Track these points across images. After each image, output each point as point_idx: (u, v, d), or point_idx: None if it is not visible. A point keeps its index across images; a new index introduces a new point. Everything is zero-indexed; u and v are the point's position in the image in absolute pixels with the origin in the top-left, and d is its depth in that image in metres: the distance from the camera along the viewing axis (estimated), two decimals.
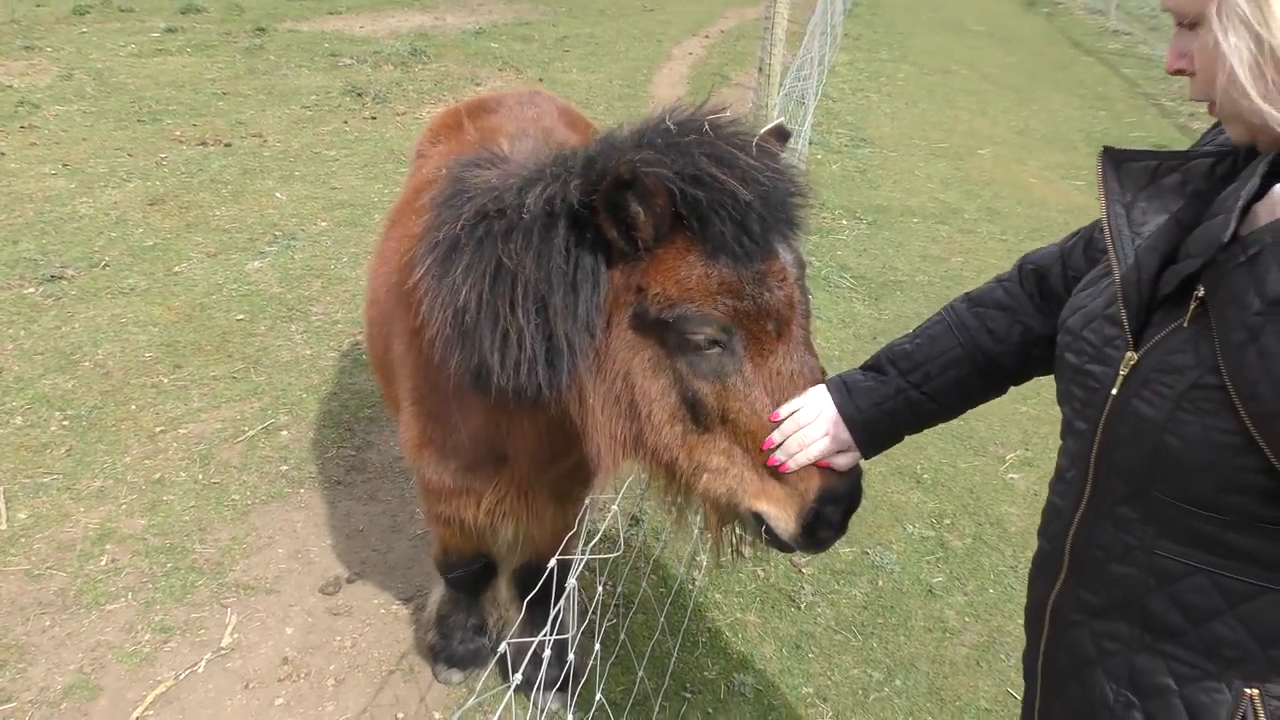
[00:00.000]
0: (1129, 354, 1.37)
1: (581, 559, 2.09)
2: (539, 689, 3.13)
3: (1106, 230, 1.43)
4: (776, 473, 1.83)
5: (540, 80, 11.39)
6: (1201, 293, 1.28)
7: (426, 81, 11.12)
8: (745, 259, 1.74)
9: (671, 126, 1.83)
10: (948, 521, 4.35)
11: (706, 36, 15.76)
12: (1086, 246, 1.80)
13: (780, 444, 1.81)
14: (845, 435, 1.85)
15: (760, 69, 5.88)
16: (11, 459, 4.26)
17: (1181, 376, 1.28)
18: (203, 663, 3.34)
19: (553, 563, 2.23)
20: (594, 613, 3.06)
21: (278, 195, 7.54)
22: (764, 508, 1.86)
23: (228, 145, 8.59)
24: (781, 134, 2.02)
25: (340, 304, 5.85)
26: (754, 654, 3.57)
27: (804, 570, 3.98)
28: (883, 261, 7.16)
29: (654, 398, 1.87)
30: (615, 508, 2.34)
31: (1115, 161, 1.48)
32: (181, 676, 3.29)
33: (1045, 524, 1.61)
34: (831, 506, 1.81)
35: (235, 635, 3.46)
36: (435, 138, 3.16)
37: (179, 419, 4.63)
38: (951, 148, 10.36)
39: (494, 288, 1.85)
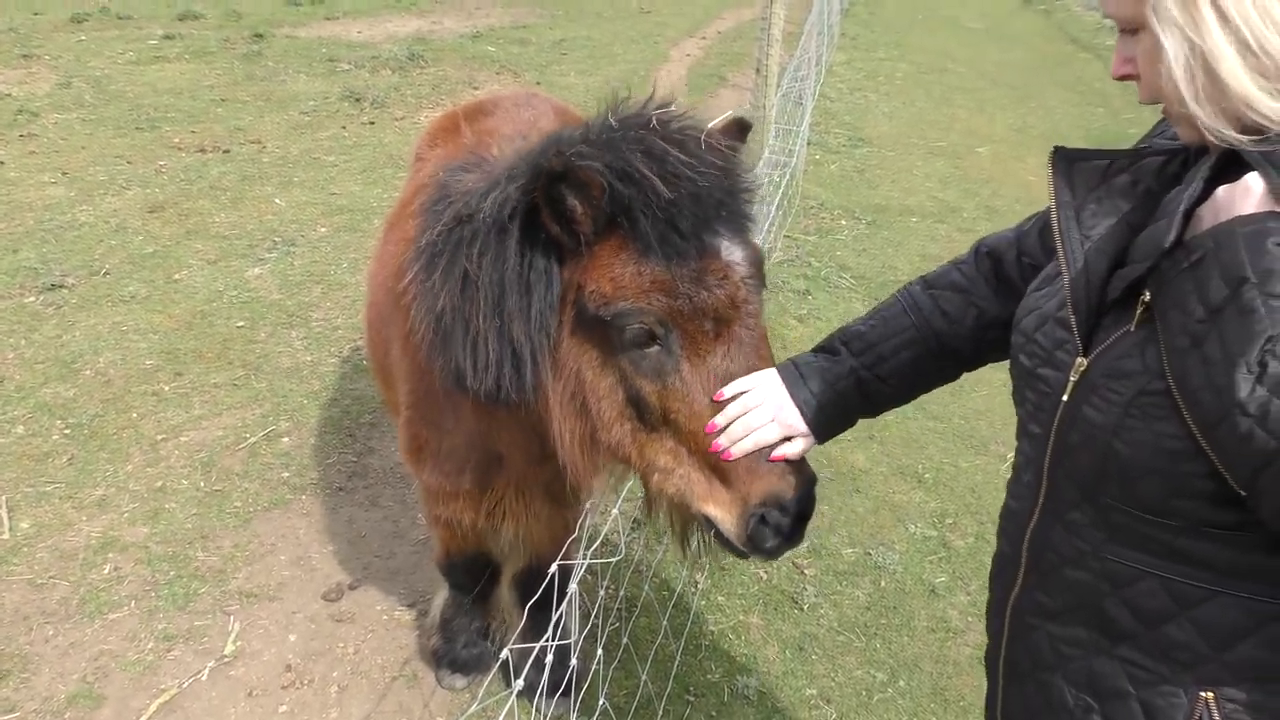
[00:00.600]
0: (1079, 360, 1.36)
1: (583, 564, 2.09)
2: (542, 694, 3.13)
3: (1056, 232, 1.42)
4: (724, 474, 1.78)
5: (538, 83, 11.40)
6: (1148, 298, 1.27)
7: (424, 86, 11.13)
8: (677, 256, 1.71)
9: (613, 122, 1.81)
10: (950, 521, 4.35)
11: (703, 38, 15.77)
12: (1041, 232, 1.78)
13: (724, 428, 1.76)
14: (795, 420, 1.82)
15: (757, 70, 5.87)
16: (13, 468, 4.27)
17: (1129, 382, 1.27)
18: (206, 671, 3.34)
19: (554, 568, 2.23)
20: (596, 617, 3.07)
21: (277, 201, 7.54)
22: (711, 510, 1.82)
23: (226, 152, 8.60)
24: (741, 126, 1.99)
25: (340, 309, 5.85)
26: (757, 656, 3.57)
27: (806, 572, 3.98)
28: (882, 261, 7.16)
29: (602, 395, 1.87)
30: (616, 511, 2.34)
31: (1067, 161, 1.47)
32: (185, 685, 3.29)
33: (1003, 525, 1.61)
34: (777, 512, 1.74)
35: (238, 643, 3.46)
36: (433, 141, 3.17)
37: (180, 426, 4.63)
38: (950, 146, 10.36)
39: (463, 292, 1.87)
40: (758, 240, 1.92)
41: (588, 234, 1.76)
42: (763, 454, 1.77)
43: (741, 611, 3.77)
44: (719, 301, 1.73)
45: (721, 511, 1.80)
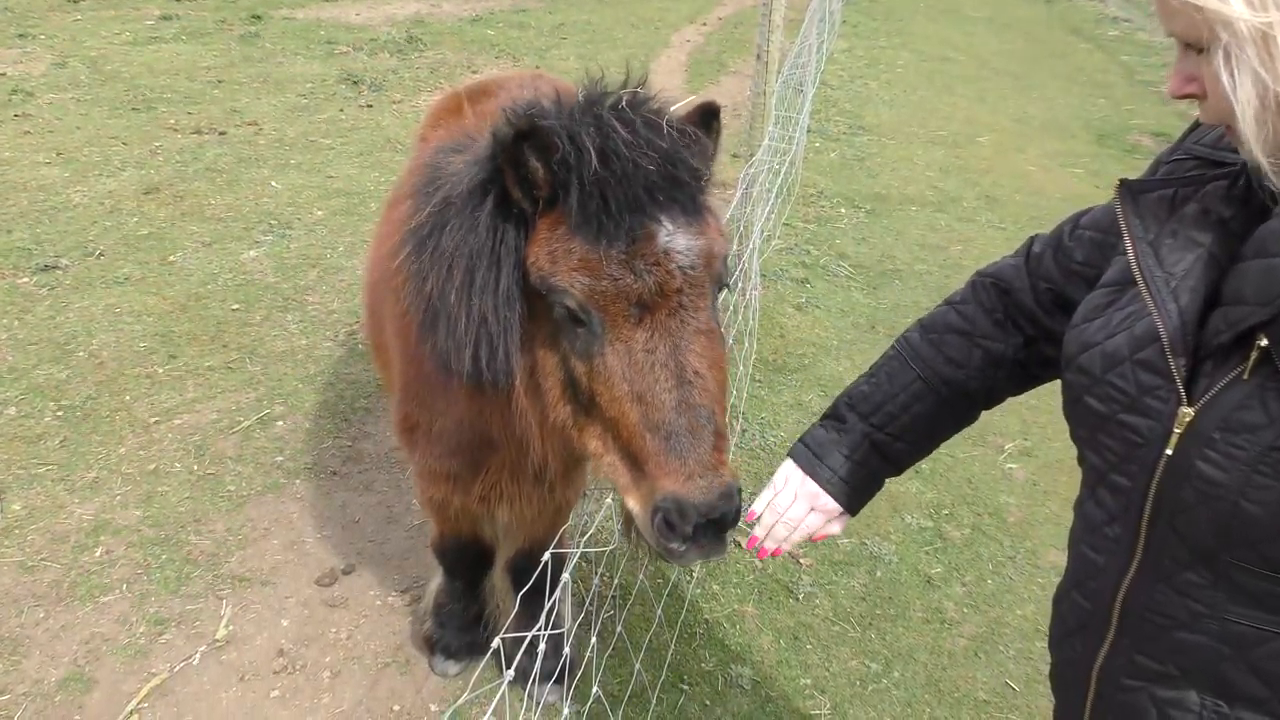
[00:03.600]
0: (1183, 410, 1.26)
1: (577, 551, 2.07)
2: (535, 681, 3.11)
3: (1138, 273, 1.33)
4: (641, 465, 1.71)
5: (537, 67, 11.33)
6: (1264, 342, 1.18)
7: (423, 70, 11.07)
8: (606, 237, 1.67)
9: (582, 98, 1.80)
10: (946, 512, 4.33)
11: (704, 24, 15.68)
12: (1057, 254, 1.70)
13: (765, 537, 1.80)
14: (828, 502, 1.81)
15: (758, 56, 5.82)
16: (5, 450, 4.24)
17: (1254, 437, 1.17)
18: (198, 655, 3.33)
19: (547, 555, 2.21)
20: (590, 605, 3.05)
21: (273, 184, 7.49)
22: (630, 502, 1.78)
23: (223, 134, 8.54)
24: (706, 112, 1.90)
25: (336, 294, 5.82)
26: (751, 645, 3.56)
27: (802, 561, 3.96)
28: (881, 250, 7.13)
29: (548, 373, 1.85)
30: (610, 499, 2.31)
31: (1133, 194, 1.40)
32: (176, 669, 3.27)
33: (1079, 580, 1.49)
34: (676, 515, 1.65)
35: (230, 627, 3.45)
36: (436, 122, 3.15)
37: (174, 410, 4.60)
38: (950, 135, 10.32)
39: (447, 273, 1.85)
40: (723, 230, 1.86)
41: (547, 198, 1.73)
42: (676, 446, 1.67)
43: (736, 601, 3.75)
44: (645, 288, 1.68)
45: (638, 506, 1.75)
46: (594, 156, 1.66)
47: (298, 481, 4.20)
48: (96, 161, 7.66)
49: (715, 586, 3.80)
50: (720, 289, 1.82)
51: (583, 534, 2.62)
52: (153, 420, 4.52)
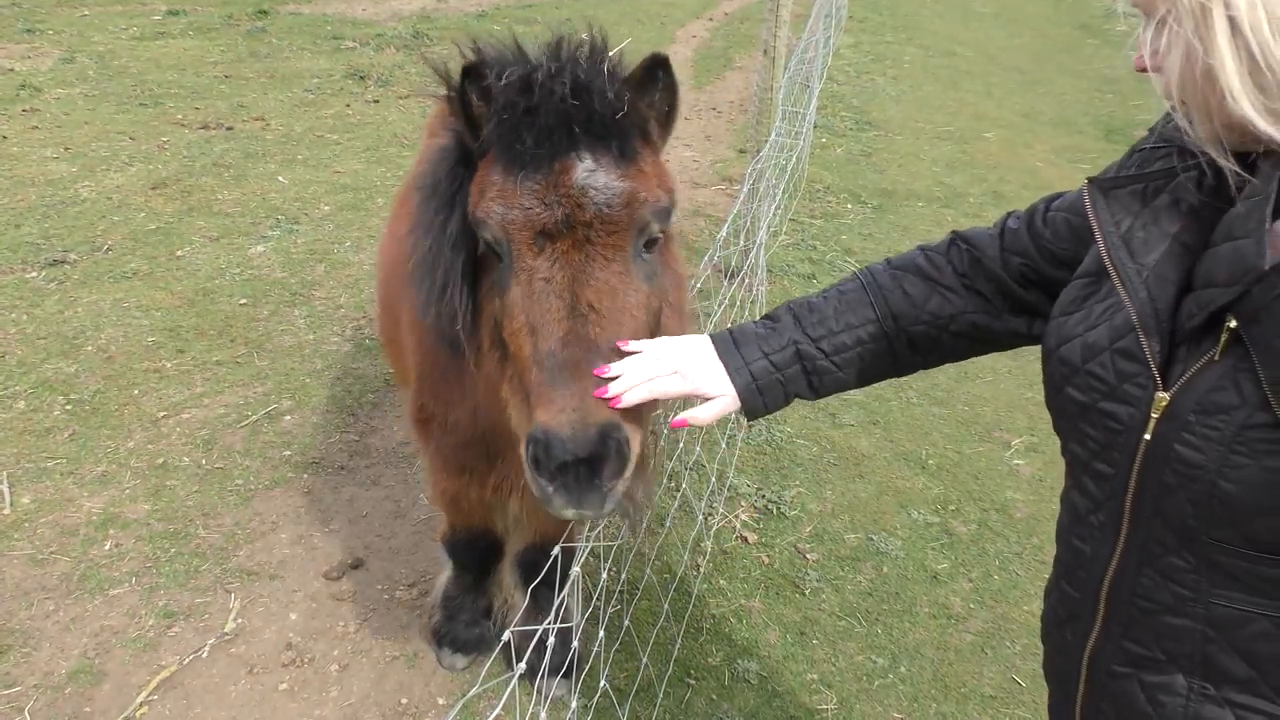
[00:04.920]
0: (1159, 394, 1.28)
1: (586, 546, 2.07)
2: (543, 675, 3.12)
3: (1109, 265, 1.36)
4: (529, 400, 1.64)
5: None
6: (1234, 323, 1.19)
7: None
8: (520, 167, 1.65)
9: (533, 47, 1.82)
10: (952, 508, 4.33)
11: (710, 19, 15.68)
12: (1031, 230, 1.71)
13: (616, 376, 1.60)
14: (715, 383, 1.70)
15: (765, 51, 5.82)
16: (14, 444, 4.26)
17: (1228, 417, 1.19)
18: (206, 648, 3.34)
19: (557, 549, 2.22)
20: (598, 599, 3.06)
21: (280, 179, 7.51)
22: (520, 444, 1.69)
23: (229, 129, 8.55)
24: (653, 64, 1.78)
25: (343, 288, 5.83)
26: (758, 640, 3.56)
27: (809, 556, 3.97)
28: (888, 246, 7.12)
29: (485, 318, 1.85)
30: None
31: (1102, 191, 1.42)
32: (185, 661, 3.29)
33: (1068, 570, 1.50)
34: (543, 450, 1.54)
35: (239, 620, 3.46)
36: (444, 117, 3.15)
37: (182, 404, 4.62)
38: (957, 131, 10.30)
39: (436, 242, 1.87)
40: (666, 183, 1.80)
41: (485, 138, 1.72)
42: (555, 377, 1.59)
43: (743, 596, 3.76)
44: (552, 218, 1.64)
45: (520, 443, 1.68)
46: (516, 86, 1.66)
47: (306, 476, 4.21)
48: (104, 156, 7.68)
49: (722, 581, 3.81)
50: (648, 240, 1.75)
51: (591, 528, 2.62)
52: (161, 414, 4.53)
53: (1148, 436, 1.29)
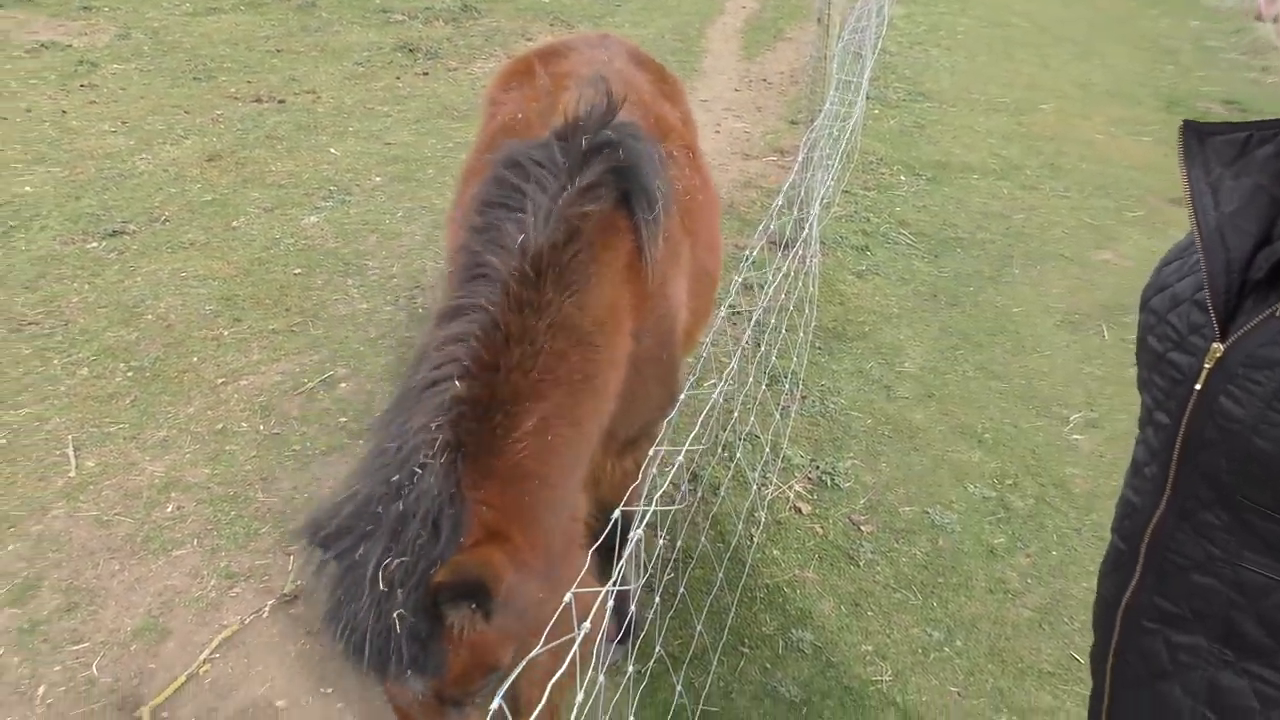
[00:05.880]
0: (1215, 345, 1.26)
1: (648, 510, 2.06)
2: (600, 640, 3.12)
3: (1190, 211, 1.32)
4: None
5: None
6: None
7: (477, 37, 11.06)
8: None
9: None
10: (1010, 482, 4.27)
11: None
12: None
13: None
14: None
15: (819, 20, 5.74)
16: (79, 409, 4.34)
17: (1273, 373, 1.17)
18: (267, 608, 3.40)
19: (617, 513, 2.21)
20: (653, 567, 3.06)
21: (332, 151, 7.55)
22: None
23: (282, 102, 8.62)
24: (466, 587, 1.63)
25: (396, 258, 5.86)
26: (812, 610, 3.55)
27: (863, 529, 3.94)
28: (942, 218, 7.02)
29: None
30: (680, 458, 2.31)
31: (1198, 136, 1.37)
32: (246, 621, 3.34)
33: (1119, 520, 1.50)
34: None
35: (298, 583, 3.51)
36: (507, 84, 3.15)
37: (239, 371, 4.68)
38: (1012, 102, 10.09)
39: None
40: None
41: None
42: None
43: (797, 566, 3.74)
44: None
45: None
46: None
47: (361, 442, 4.25)
48: (160, 130, 7.77)
49: (776, 551, 3.80)
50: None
51: (648, 496, 2.61)
52: (219, 381, 4.59)
53: (1198, 387, 1.27)
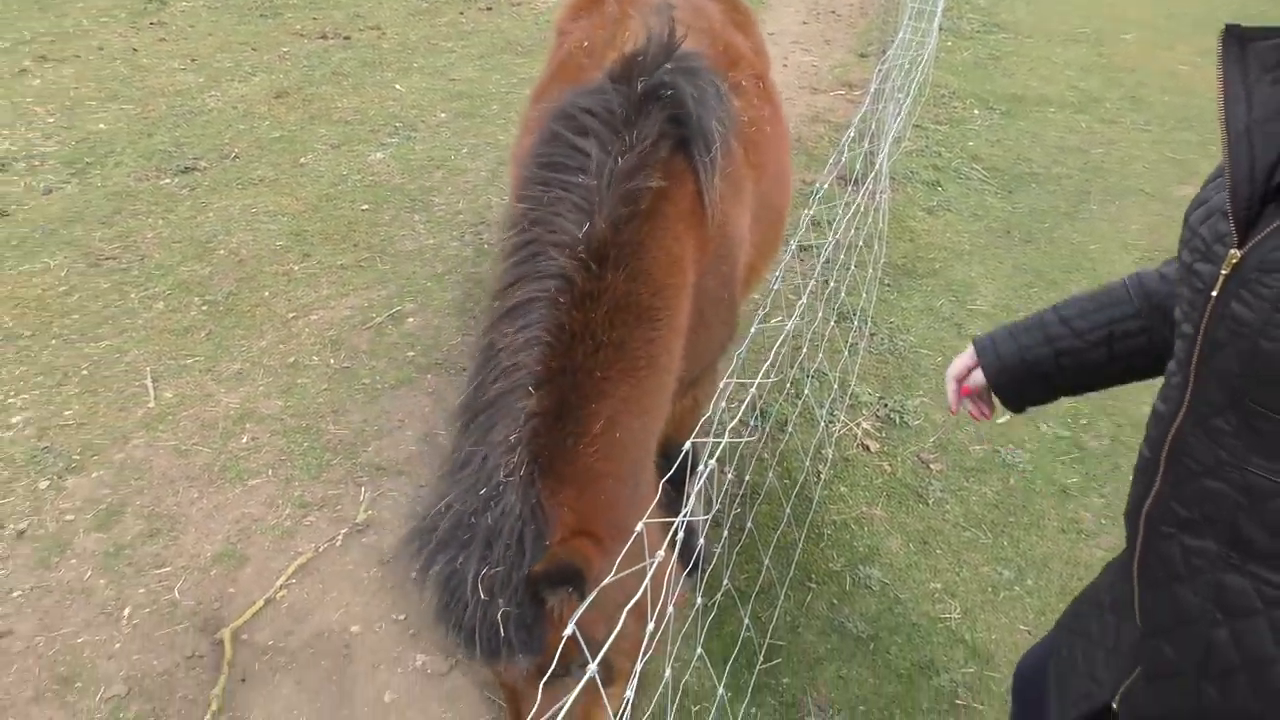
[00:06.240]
0: (1232, 252, 1.26)
1: (723, 441, 2.05)
2: (670, 572, 3.14)
3: (1221, 115, 1.31)
4: None
5: None
6: None
7: None
8: None
9: None
10: (1084, 421, 4.18)
11: None
12: None
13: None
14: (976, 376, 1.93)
15: None
16: (156, 342, 4.43)
17: None
18: (340, 537, 3.46)
19: (688, 444, 2.20)
20: (720, 502, 3.05)
21: (397, 87, 7.54)
22: None
23: (347, 38, 8.61)
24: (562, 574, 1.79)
25: (461, 194, 5.86)
26: (880, 548, 3.52)
27: (933, 467, 3.89)
28: (1016, 153, 6.81)
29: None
30: (753, 390, 2.29)
31: (1240, 42, 1.32)
32: (320, 549, 3.41)
33: (1148, 429, 1.51)
34: None
35: (369, 512, 3.57)
36: (575, 14, 3.11)
37: (310, 305, 4.74)
38: (1092, 33, 9.71)
39: None
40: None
41: None
42: None
43: (864, 503, 3.71)
44: None
45: None
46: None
47: (429, 376, 4.29)
48: (228, 67, 7.83)
49: (843, 489, 3.77)
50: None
51: (718, 428, 2.60)
52: (290, 315, 4.66)
53: (1214, 293, 1.29)
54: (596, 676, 1.58)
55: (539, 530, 1.76)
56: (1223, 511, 1.31)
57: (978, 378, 1.93)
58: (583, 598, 1.73)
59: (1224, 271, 1.27)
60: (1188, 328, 1.38)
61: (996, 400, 2.00)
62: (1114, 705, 1.60)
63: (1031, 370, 1.85)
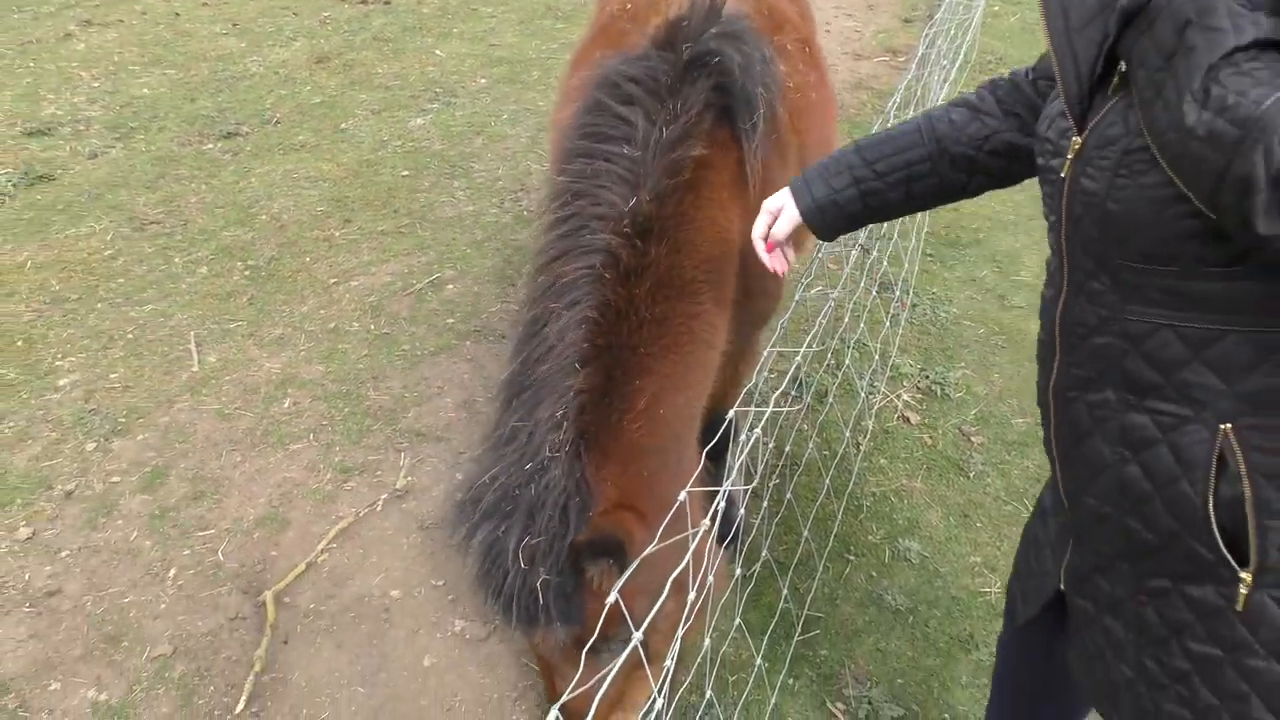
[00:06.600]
0: (1074, 139, 1.45)
1: (766, 410, 2.03)
2: (710, 542, 3.14)
3: (1045, 27, 1.47)
4: None
5: None
6: (1124, 66, 1.35)
7: None
8: None
9: None
10: None
11: None
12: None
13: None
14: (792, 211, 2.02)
15: None
16: (199, 306, 4.47)
17: (1114, 146, 1.36)
18: (380, 502, 3.49)
19: (731, 414, 2.19)
20: (760, 473, 3.04)
21: (437, 53, 7.52)
22: None
23: (387, 3, 8.59)
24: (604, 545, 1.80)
25: (501, 161, 5.84)
26: (919, 520, 3.50)
27: (974, 439, 3.84)
28: None
29: None
30: (799, 358, 2.26)
31: None
32: (361, 514, 3.44)
33: (1040, 316, 1.67)
34: None
35: (409, 478, 3.59)
36: None
37: (350, 271, 4.75)
38: None
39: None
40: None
41: None
42: None
43: (904, 476, 3.68)
44: None
45: None
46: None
47: (468, 343, 4.30)
48: (270, 32, 7.84)
49: (883, 461, 3.74)
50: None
51: (761, 399, 2.58)
52: (331, 281, 4.68)
53: (1063, 175, 1.47)
54: (640, 649, 1.58)
55: (583, 503, 1.76)
56: (1112, 361, 1.48)
57: (780, 229, 2.02)
58: (623, 570, 1.73)
59: (1069, 157, 1.45)
60: (1052, 217, 1.55)
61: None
62: (1061, 587, 1.75)
63: (842, 210, 1.97)
